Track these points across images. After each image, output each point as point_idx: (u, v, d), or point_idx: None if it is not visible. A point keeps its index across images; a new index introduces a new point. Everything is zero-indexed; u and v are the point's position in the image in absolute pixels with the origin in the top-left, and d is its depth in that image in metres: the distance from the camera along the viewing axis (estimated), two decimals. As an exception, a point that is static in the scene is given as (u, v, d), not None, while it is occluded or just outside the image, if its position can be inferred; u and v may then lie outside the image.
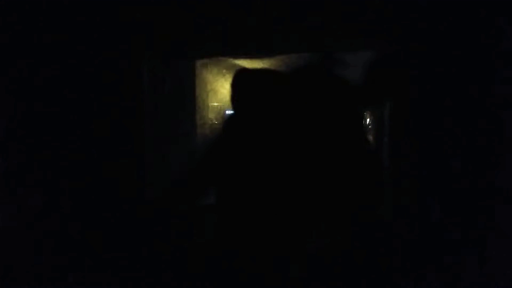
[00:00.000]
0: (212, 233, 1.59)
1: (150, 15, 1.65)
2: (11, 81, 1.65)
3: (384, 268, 1.41)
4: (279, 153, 1.40)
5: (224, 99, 2.50)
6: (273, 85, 1.44)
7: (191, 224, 1.75)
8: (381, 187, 1.42)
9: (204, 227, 1.75)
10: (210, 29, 1.64)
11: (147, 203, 1.70)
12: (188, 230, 1.74)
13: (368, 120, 1.95)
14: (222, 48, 1.74)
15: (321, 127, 1.38)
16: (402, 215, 1.51)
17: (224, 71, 2.47)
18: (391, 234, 1.44)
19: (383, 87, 1.39)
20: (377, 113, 1.82)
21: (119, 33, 1.66)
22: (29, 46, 1.64)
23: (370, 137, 1.82)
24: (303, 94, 1.39)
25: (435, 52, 1.51)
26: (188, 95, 2.26)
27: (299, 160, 1.39)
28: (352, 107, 1.41)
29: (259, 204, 1.42)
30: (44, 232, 1.65)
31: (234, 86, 1.53)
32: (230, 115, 1.61)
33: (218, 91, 2.51)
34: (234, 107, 1.52)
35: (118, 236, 1.65)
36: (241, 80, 1.53)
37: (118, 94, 1.70)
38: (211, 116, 2.46)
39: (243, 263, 1.42)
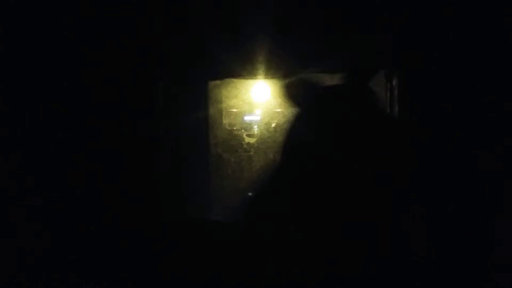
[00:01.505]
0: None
1: (165, 38, 1.69)
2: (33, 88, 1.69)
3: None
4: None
5: (236, 119, 2.53)
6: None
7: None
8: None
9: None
10: (222, 53, 1.68)
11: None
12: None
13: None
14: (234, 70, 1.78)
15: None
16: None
17: (236, 91, 2.50)
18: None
19: None
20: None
21: (135, 52, 1.69)
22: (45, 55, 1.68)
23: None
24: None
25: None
26: (201, 115, 2.28)
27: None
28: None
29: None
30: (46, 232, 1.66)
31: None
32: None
33: (231, 111, 2.54)
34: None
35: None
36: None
37: (132, 111, 1.72)
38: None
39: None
